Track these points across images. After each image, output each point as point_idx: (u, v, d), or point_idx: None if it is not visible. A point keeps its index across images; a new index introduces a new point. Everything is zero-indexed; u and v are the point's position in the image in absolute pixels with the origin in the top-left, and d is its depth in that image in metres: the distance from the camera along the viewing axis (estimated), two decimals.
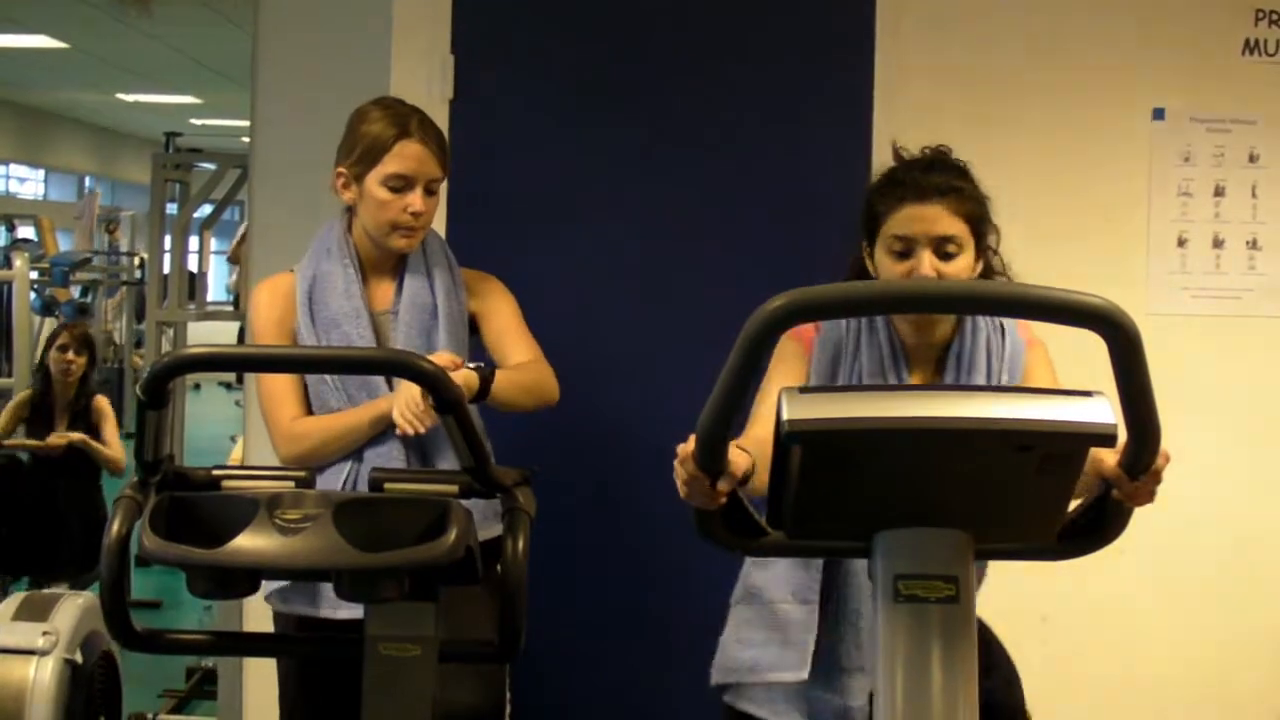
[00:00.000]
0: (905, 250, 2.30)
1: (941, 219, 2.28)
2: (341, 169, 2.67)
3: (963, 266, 2.30)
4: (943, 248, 2.29)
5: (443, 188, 2.74)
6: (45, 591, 4.11)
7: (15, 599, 3.75)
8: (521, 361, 2.70)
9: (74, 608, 3.65)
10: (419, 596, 1.96)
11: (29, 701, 3.45)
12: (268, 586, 2.65)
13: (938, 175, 2.32)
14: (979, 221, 2.32)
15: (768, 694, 2.36)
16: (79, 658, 3.61)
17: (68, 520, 5.54)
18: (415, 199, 2.63)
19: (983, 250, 2.36)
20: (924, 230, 2.29)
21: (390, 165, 2.62)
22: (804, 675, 2.30)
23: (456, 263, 2.76)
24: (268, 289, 2.73)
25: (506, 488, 2.10)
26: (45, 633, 3.54)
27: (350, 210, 2.71)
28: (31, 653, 3.51)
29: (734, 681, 2.40)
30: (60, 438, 5.51)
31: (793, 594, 2.33)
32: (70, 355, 5.73)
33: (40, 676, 3.48)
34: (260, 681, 3.34)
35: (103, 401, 5.84)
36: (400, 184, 2.62)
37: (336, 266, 2.68)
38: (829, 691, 2.32)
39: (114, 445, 5.69)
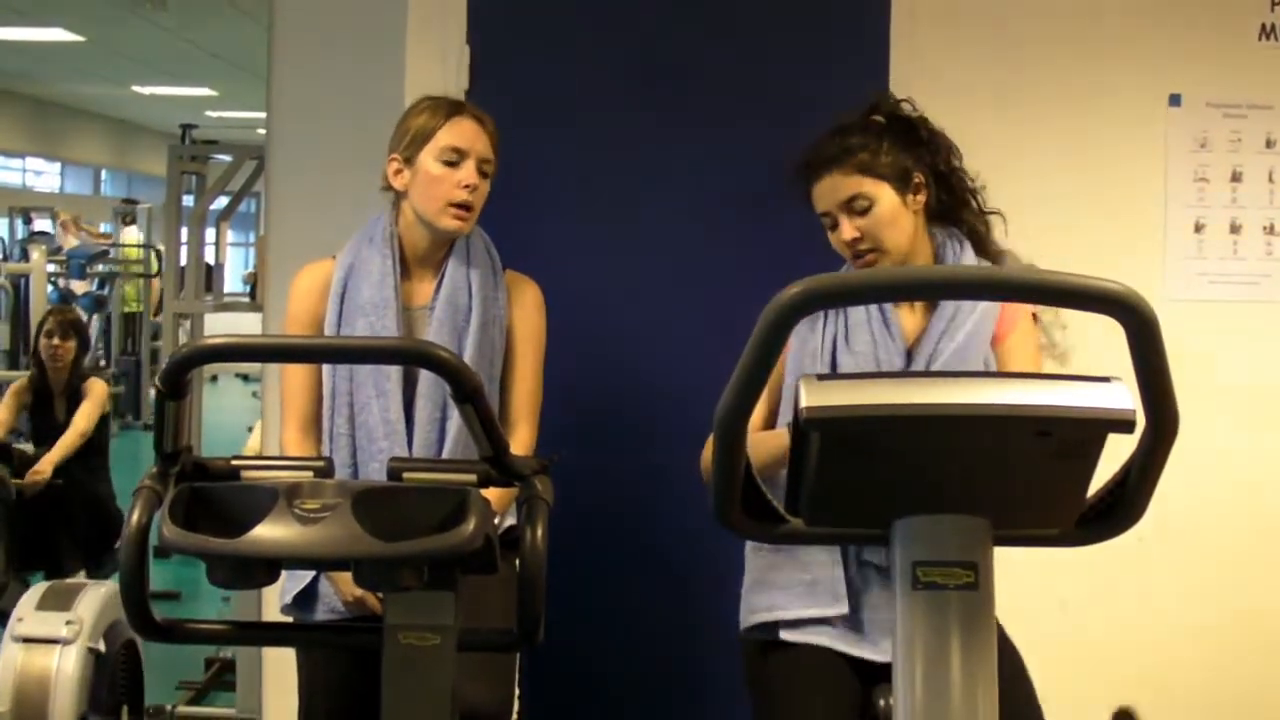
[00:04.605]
0: (832, 223, 2.49)
1: (838, 186, 2.47)
2: (395, 155, 2.69)
3: (881, 213, 2.46)
4: (853, 206, 2.46)
5: None
6: (69, 581, 4.14)
7: (39, 588, 3.77)
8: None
9: (97, 597, 3.67)
10: (438, 585, 1.96)
11: (53, 689, 3.48)
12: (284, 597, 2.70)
13: (825, 147, 2.48)
14: (876, 169, 2.46)
15: (803, 628, 2.44)
16: (102, 646, 3.64)
17: (74, 512, 5.53)
18: (468, 172, 2.64)
19: (909, 183, 2.48)
20: (830, 202, 2.48)
21: (444, 139, 2.65)
22: (845, 609, 2.41)
23: (501, 266, 2.76)
24: (307, 277, 2.74)
25: (525, 476, 2.10)
26: (69, 622, 3.56)
27: (398, 201, 2.71)
28: (55, 641, 3.53)
29: (771, 620, 2.46)
30: (35, 474, 5.36)
31: None
32: (56, 341, 5.63)
33: (64, 665, 3.51)
34: (279, 672, 3.34)
35: (93, 383, 5.73)
36: (454, 157, 2.64)
37: (375, 255, 2.68)
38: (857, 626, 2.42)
39: (77, 423, 5.52)
